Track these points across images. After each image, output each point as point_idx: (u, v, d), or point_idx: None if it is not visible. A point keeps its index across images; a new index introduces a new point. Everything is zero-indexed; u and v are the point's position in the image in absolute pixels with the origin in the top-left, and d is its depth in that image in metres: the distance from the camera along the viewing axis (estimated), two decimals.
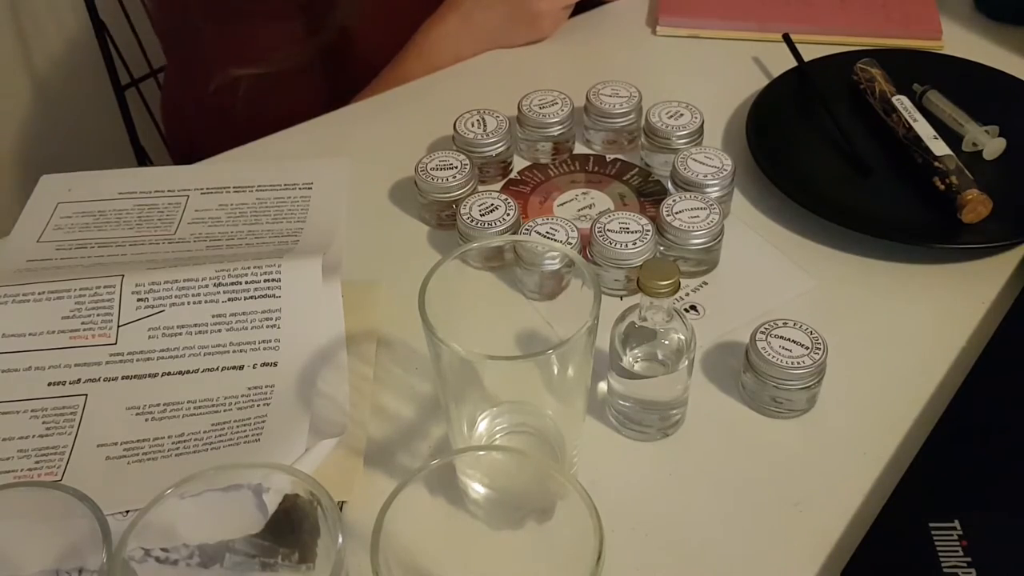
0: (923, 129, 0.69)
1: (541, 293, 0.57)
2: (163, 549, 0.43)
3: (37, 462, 0.52)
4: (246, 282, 0.58)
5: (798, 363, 0.53)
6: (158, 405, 0.55)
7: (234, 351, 0.57)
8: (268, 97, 0.83)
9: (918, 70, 0.77)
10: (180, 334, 0.57)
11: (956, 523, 0.47)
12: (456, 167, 0.66)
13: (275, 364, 0.56)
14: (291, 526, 0.43)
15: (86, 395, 0.55)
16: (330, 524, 0.38)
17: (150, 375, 0.56)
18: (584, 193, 0.70)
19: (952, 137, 0.70)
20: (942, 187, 0.65)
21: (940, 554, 0.46)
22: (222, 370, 0.56)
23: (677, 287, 0.49)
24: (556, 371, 0.45)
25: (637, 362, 0.52)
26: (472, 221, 0.62)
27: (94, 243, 0.66)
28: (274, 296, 0.58)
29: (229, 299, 0.58)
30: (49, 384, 0.56)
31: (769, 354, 0.53)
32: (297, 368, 0.56)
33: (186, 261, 0.62)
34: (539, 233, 0.61)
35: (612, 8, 0.91)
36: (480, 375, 0.47)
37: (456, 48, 0.83)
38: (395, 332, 0.60)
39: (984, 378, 0.55)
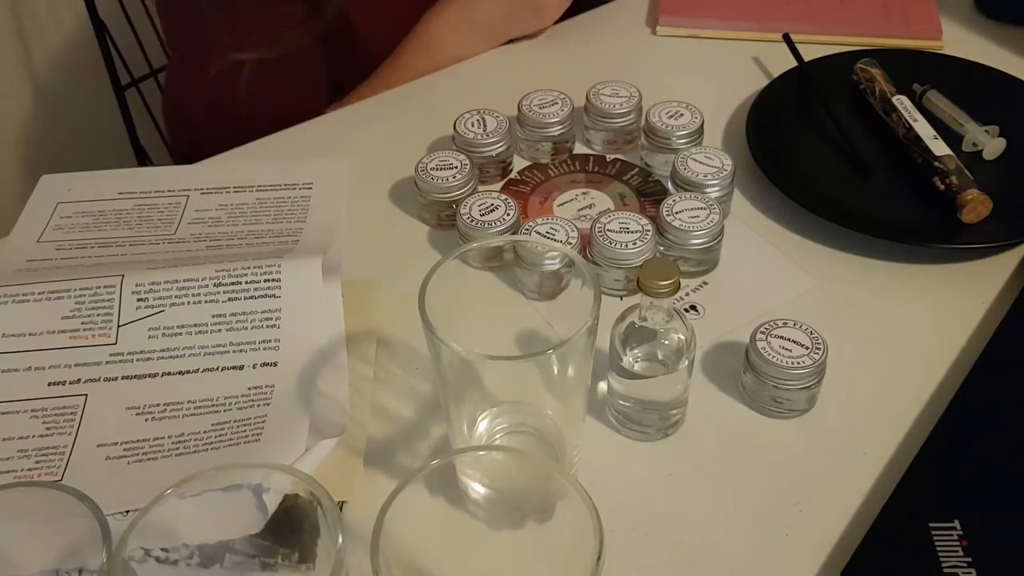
0: (923, 129, 0.69)
1: (541, 293, 0.57)
2: (163, 549, 0.43)
3: (37, 462, 0.52)
4: (246, 282, 0.58)
5: (798, 363, 0.53)
6: (158, 405, 0.55)
7: (234, 351, 0.57)
8: (270, 82, 0.82)
9: (918, 70, 0.77)
10: (180, 334, 0.57)
11: (956, 523, 0.47)
12: (456, 167, 0.66)
13: (275, 364, 0.56)
14: (291, 526, 0.43)
15: (86, 395, 0.55)
16: (330, 524, 0.38)
17: (150, 375, 0.56)
18: (584, 193, 0.70)
19: (952, 137, 0.70)
20: (942, 187, 0.65)
21: (940, 554, 0.46)
22: (222, 370, 0.56)
23: (677, 287, 0.49)
24: (556, 371, 0.45)
25: (637, 362, 0.52)
26: (472, 221, 0.62)
27: (94, 243, 0.66)
28: (274, 296, 0.58)
29: (229, 299, 0.58)
30: (49, 384, 0.56)
31: (769, 354, 0.53)
32: (297, 368, 0.56)
33: (186, 261, 0.62)
34: (539, 233, 0.61)
35: (612, 8, 0.91)
36: (480, 375, 0.47)
37: (458, 41, 0.83)
38: (395, 332, 0.60)
39: (984, 378, 0.55)
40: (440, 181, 0.66)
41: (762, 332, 0.54)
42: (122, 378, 0.56)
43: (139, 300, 0.58)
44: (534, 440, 0.51)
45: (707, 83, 0.81)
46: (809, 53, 0.79)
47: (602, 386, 0.55)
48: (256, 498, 0.44)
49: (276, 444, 0.52)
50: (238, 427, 0.53)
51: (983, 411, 0.54)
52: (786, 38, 0.81)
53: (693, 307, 0.61)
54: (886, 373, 0.57)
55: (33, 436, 0.53)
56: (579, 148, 0.74)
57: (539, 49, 0.86)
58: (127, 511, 0.48)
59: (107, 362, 0.56)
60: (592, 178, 0.71)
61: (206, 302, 0.58)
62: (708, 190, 0.64)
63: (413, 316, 0.44)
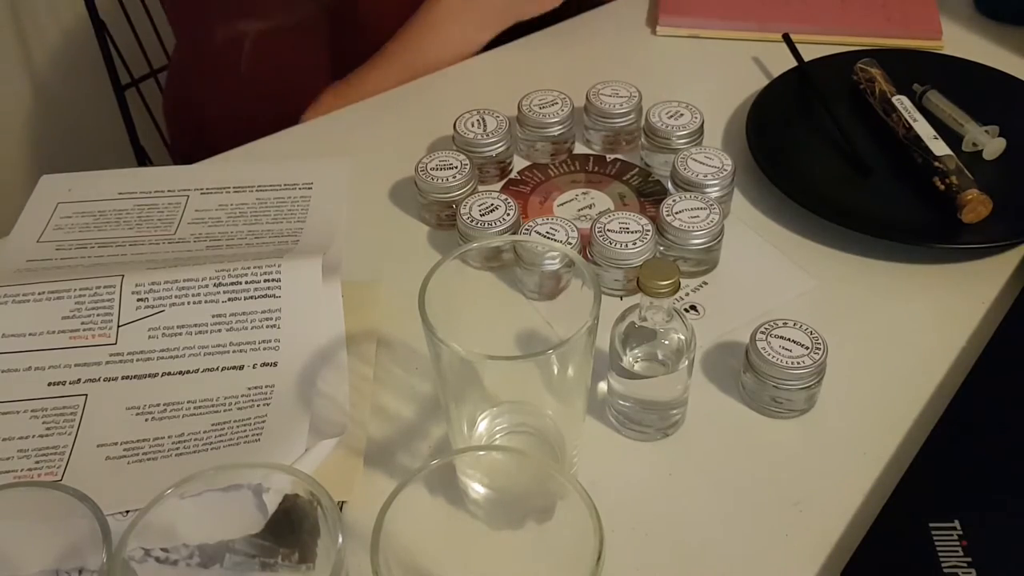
0: (923, 129, 0.69)
1: (541, 293, 0.57)
2: (163, 549, 0.43)
3: (37, 462, 0.52)
4: (246, 282, 0.58)
5: (798, 363, 0.53)
6: (158, 405, 0.55)
7: (234, 351, 0.57)
8: (273, 55, 0.82)
9: (918, 70, 0.77)
10: (180, 334, 0.57)
11: (956, 523, 0.47)
12: (456, 167, 0.66)
13: (275, 364, 0.56)
14: (291, 526, 0.43)
15: (86, 395, 0.55)
16: (330, 524, 0.38)
17: (150, 375, 0.56)
18: (584, 193, 0.70)
19: (952, 137, 0.70)
20: (942, 187, 0.65)
21: (940, 554, 0.46)
22: (222, 370, 0.56)
23: (677, 287, 0.49)
24: (556, 371, 0.45)
25: (637, 362, 0.52)
26: (472, 221, 0.62)
27: (94, 243, 0.66)
28: (274, 296, 0.58)
29: (229, 299, 0.58)
30: (49, 384, 0.56)
31: (769, 354, 0.53)
32: (297, 368, 0.56)
33: (186, 261, 0.62)
34: (539, 233, 0.61)
35: (612, 8, 0.91)
36: (480, 375, 0.47)
37: (461, 27, 0.82)
38: (395, 332, 0.60)
39: (984, 378, 0.55)
40: (440, 181, 0.66)
41: (762, 332, 0.54)
42: (122, 378, 0.56)
43: (139, 300, 0.58)
44: (534, 440, 0.51)
45: (707, 83, 0.81)
46: (809, 53, 0.79)
47: (602, 386, 0.55)
48: (256, 498, 0.44)
49: (276, 444, 0.52)
50: (238, 427, 0.53)
51: (983, 411, 0.54)
52: (786, 38, 0.81)
53: (693, 307, 0.61)
54: (886, 373, 0.57)
55: (33, 436, 0.53)
56: (579, 148, 0.74)
57: (539, 49, 0.86)
58: (127, 511, 0.48)
59: (107, 362, 0.56)
60: (592, 178, 0.71)
61: (206, 302, 0.58)
62: (708, 190, 0.64)
63: (413, 316, 0.44)
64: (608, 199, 0.69)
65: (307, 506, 0.41)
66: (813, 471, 0.52)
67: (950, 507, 0.48)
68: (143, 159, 1.31)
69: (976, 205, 0.63)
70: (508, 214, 0.63)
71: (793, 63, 0.79)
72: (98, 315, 0.57)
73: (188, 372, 0.56)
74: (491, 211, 0.63)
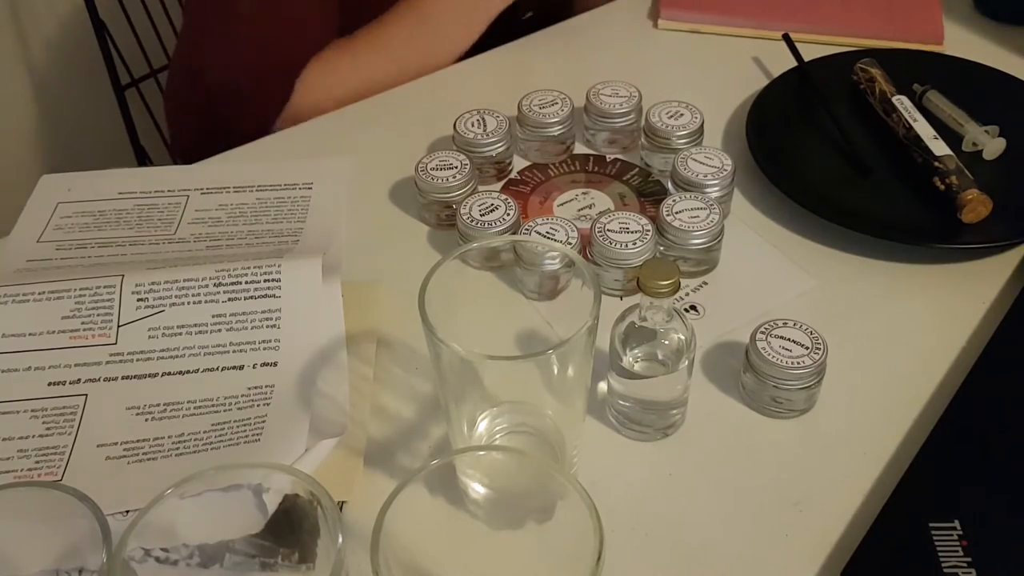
0: (923, 129, 0.69)
1: (541, 293, 0.57)
2: (163, 549, 0.43)
3: (37, 462, 0.52)
4: (246, 282, 0.58)
5: (798, 363, 0.53)
6: (158, 405, 0.55)
7: (234, 351, 0.57)
8: (278, 7, 0.81)
9: (918, 70, 0.77)
10: (180, 334, 0.57)
11: (956, 523, 0.47)
12: (456, 167, 0.66)
13: (275, 364, 0.56)
14: (291, 526, 0.43)
15: (86, 395, 0.55)
16: (330, 524, 0.38)
17: (150, 375, 0.56)
18: (584, 193, 0.70)
19: (952, 137, 0.70)
20: (942, 187, 0.65)
21: (940, 554, 0.46)
22: (222, 370, 0.56)
23: (677, 287, 0.49)
24: (556, 371, 0.45)
25: (637, 362, 0.52)
26: (472, 221, 0.62)
27: (94, 243, 0.66)
28: (274, 296, 0.58)
29: (229, 299, 0.58)
30: (49, 384, 0.56)
31: (769, 354, 0.53)
32: (297, 368, 0.56)
33: (186, 261, 0.62)
34: (539, 233, 0.61)
35: (612, 7, 0.91)
36: (480, 375, 0.47)
37: None
38: (395, 332, 0.60)
39: (984, 378, 0.55)
40: (440, 181, 0.66)
41: (762, 332, 0.54)
42: (122, 378, 0.56)
43: (139, 300, 0.58)
44: (534, 440, 0.51)
45: (707, 82, 0.81)
46: (809, 53, 0.79)
47: (602, 386, 0.55)
48: (256, 498, 0.44)
49: (276, 444, 0.52)
50: (238, 427, 0.53)
51: (983, 411, 0.54)
52: (786, 38, 0.81)
53: (693, 307, 0.61)
54: (886, 373, 0.57)
55: (33, 436, 0.53)
56: (579, 148, 0.74)
57: (539, 49, 0.86)
58: (127, 511, 0.48)
59: (107, 362, 0.56)
60: (592, 178, 0.71)
61: (206, 302, 0.58)
62: (708, 190, 0.64)
63: (413, 316, 0.44)
64: (608, 199, 0.69)
65: (307, 506, 0.41)
66: (813, 471, 0.52)
67: (950, 507, 0.48)
68: (143, 159, 1.31)
69: (976, 205, 0.63)
70: (508, 214, 0.63)
71: (793, 63, 0.79)
72: (98, 315, 0.57)
73: (188, 372, 0.56)
74: (491, 211, 0.63)
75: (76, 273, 0.60)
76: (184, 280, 0.58)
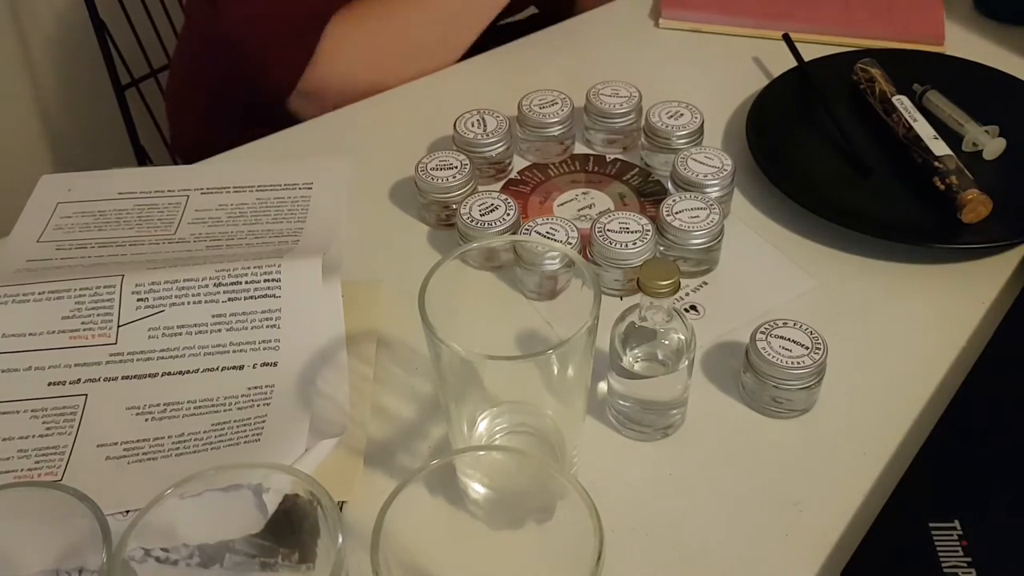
0: (923, 129, 0.69)
1: (541, 293, 0.57)
2: (163, 549, 0.43)
3: (37, 462, 0.52)
4: (246, 282, 0.58)
5: (798, 363, 0.53)
6: (158, 405, 0.55)
7: (234, 351, 0.57)
8: None
9: (918, 70, 0.77)
10: (180, 334, 0.57)
11: (956, 523, 0.47)
12: (456, 167, 0.66)
13: (275, 364, 0.56)
14: (291, 526, 0.43)
15: (86, 395, 0.55)
16: (330, 524, 0.38)
17: (150, 375, 0.56)
18: (584, 193, 0.70)
19: (952, 137, 0.70)
20: (942, 187, 0.65)
21: (940, 554, 0.46)
22: (222, 370, 0.56)
23: (677, 287, 0.49)
24: (556, 371, 0.45)
25: (637, 362, 0.52)
26: (472, 221, 0.62)
27: (94, 243, 0.66)
28: (274, 296, 0.58)
29: (229, 299, 0.58)
30: (49, 384, 0.56)
31: (769, 354, 0.53)
32: (297, 368, 0.56)
33: (186, 261, 0.62)
34: (539, 233, 0.61)
35: (613, 7, 0.91)
36: (480, 375, 0.47)
37: None
38: (395, 332, 0.60)
39: (984, 378, 0.55)
40: (440, 181, 0.66)
41: (762, 332, 0.54)
42: (122, 378, 0.56)
43: (139, 300, 0.58)
44: (534, 440, 0.51)
45: (707, 82, 0.81)
46: (809, 53, 0.79)
47: (602, 386, 0.55)
48: (256, 498, 0.44)
49: (276, 444, 0.52)
50: (238, 427, 0.53)
51: (983, 411, 0.54)
52: (786, 38, 0.81)
53: (693, 307, 0.61)
54: (886, 373, 0.57)
55: (33, 436, 0.53)
56: (579, 148, 0.74)
57: (539, 49, 0.86)
58: (127, 511, 0.48)
59: (107, 362, 0.56)
60: (592, 178, 0.71)
61: (206, 302, 0.58)
62: (708, 190, 0.64)
63: (413, 316, 0.44)
64: (608, 199, 0.69)
65: (307, 506, 0.41)
66: (813, 471, 0.52)
67: (950, 507, 0.48)
68: (143, 159, 1.31)
69: (976, 205, 0.63)
70: (508, 214, 0.63)
71: (793, 63, 0.79)
72: (98, 315, 0.57)
73: (188, 372, 0.56)
74: (491, 211, 0.63)
75: (76, 273, 0.60)
76: (184, 280, 0.58)
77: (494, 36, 0.85)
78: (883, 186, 0.69)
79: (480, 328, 0.47)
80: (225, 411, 0.54)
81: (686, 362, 0.51)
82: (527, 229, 0.61)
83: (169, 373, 0.56)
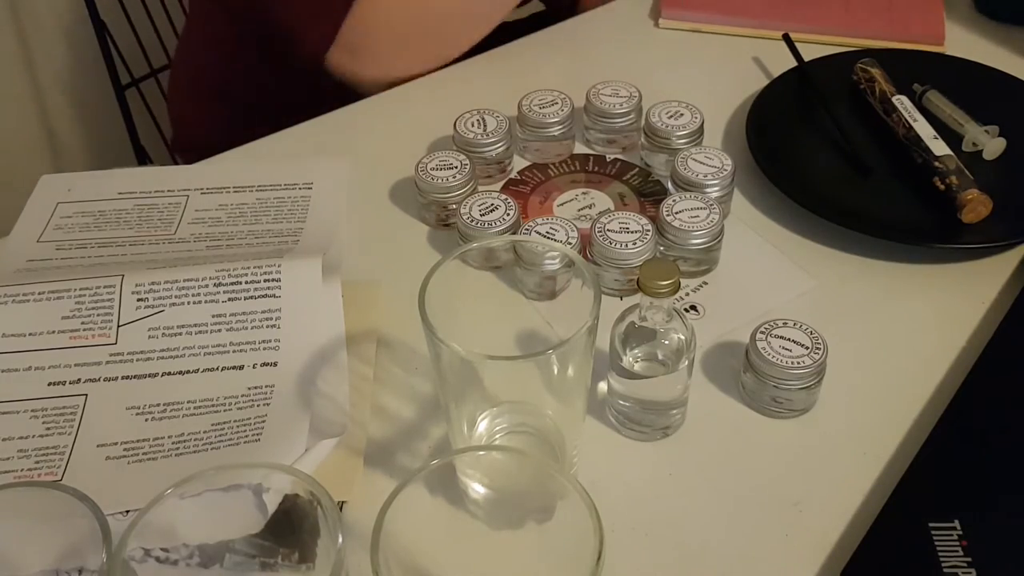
0: (923, 129, 0.69)
1: (541, 293, 0.57)
2: (163, 549, 0.43)
3: (37, 462, 0.52)
4: (246, 282, 0.58)
5: (798, 363, 0.53)
6: (158, 405, 0.55)
7: (234, 351, 0.57)
8: None
9: (918, 70, 0.77)
10: (180, 334, 0.57)
11: (956, 523, 0.47)
12: (456, 167, 0.66)
13: (275, 364, 0.56)
14: (291, 526, 0.43)
15: (86, 395, 0.55)
16: (330, 524, 0.38)
17: (150, 375, 0.56)
18: (584, 193, 0.70)
19: (952, 137, 0.70)
20: (942, 187, 0.65)
21: (940, 554, 0.46)
22: (222, 370, 0.56)
23: (677, 287, 0.49)
24: (556, 371, 0.45)
25: (637, 362, 0.52)
26: (472, 221, 0.62)
27: (94, 243, 0.66)
28: (274, 296, 0.58)
29: (229, 299, 0.58)
30: (49, 384, 0.56)
31: (769, 354, 0.53)
32: (297, 368, 0.56)
33: (186, 261, 0.62)
34: (539, 233, 0.61)
35: (613, 7, 0.91)
36: (480, 375, 0.47)
37: None
38: (395, 332, 0.60)
39: (984, 378, 0.55)
40: (440, 181, 0.66)
41: (762, 332, 0.54)
42: (122, 378, 0.56)
43: (139, 300, 0.58)
44: (534, 440, 0.51)
45: (707, 82, 0.81)
46: (809, 53, 0.79)
47: (602, 386, 0.55)
48: (256, 498, 0.44)
49: (276, 444, 0.52)
50: (238, 427, 0.53)
51: (983, 411, 0.54)
52: (786, 38, 0.81)
53: (693, 307, 0.61)
54: (886, 373, 0.57)
55: (33, 436, 0.53)
56: (579, 148, 0.74)
57: (539, 49, 0.86)
58: (127, 511, 0.48)
59: (107, 362, 0.56)
60: (592, 178, 0.71)
61: (206, 302, 0.58)
62: (708, 190, 0.64)
63: (413, 316, 0.44)
64: (608, 199, 0.69)
65: (307, 506, 0.41)
66: (813, 471, 0.52)
67: (950, 507, 0.48)
68: (143, 159, 1.31)
69: (976, 205, 0.63)
70: (508, 214, 0.63)
71: (793, 63, 0.79)
72: (98, 315, 0.57)
73: (188, 372, 0.56)
74: (491, 211, 0.63)
75: (76, 273, 0.60)
76: (184, 280, 0.58)
77: (494, 36, 0.85)
78: (883, 186, 0.69)
79: (480, 328, 0.47)
80: (225, 411, 0.54)
81: (686, 362, 0.51)
82: (527, 229, 0.61)
83: (169, 373, 0.56)
